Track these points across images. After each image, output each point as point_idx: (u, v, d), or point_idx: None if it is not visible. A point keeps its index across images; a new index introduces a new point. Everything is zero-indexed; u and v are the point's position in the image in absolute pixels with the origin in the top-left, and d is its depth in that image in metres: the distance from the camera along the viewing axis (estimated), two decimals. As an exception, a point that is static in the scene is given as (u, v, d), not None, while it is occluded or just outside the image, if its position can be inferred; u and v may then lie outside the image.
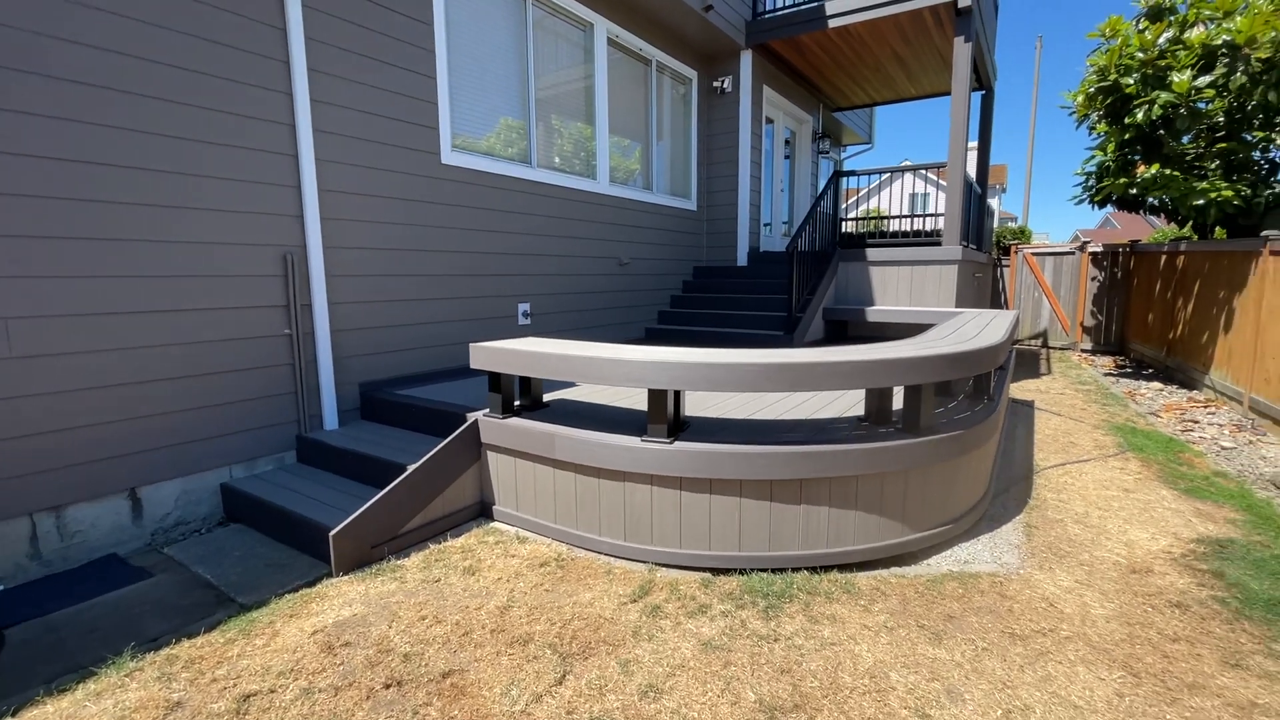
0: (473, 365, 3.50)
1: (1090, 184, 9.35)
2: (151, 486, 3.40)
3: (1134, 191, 7.95)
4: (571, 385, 4.24)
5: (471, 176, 4.96)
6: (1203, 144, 7.20)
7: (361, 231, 4.20)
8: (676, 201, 7.66)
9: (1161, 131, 6.86)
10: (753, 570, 2.99)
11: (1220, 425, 6.10)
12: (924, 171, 8.56)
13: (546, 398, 3.89)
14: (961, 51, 6.47)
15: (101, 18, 3.04)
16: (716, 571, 3.00)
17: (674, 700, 2.13)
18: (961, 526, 3.40)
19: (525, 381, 3.64)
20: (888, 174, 7.56)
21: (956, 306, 6.75)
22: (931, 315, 6.54)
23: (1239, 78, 6.02)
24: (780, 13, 7.47)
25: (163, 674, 2.27)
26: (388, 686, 2.19)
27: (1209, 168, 7.05)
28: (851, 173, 7.39)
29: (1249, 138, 6.97)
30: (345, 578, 2.92)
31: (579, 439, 3.14)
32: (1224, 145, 6.88)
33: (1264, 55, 5.65)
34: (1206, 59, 6.33)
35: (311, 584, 2.89)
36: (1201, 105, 6.38)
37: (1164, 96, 6.43)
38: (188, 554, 3.29)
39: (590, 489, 3.18)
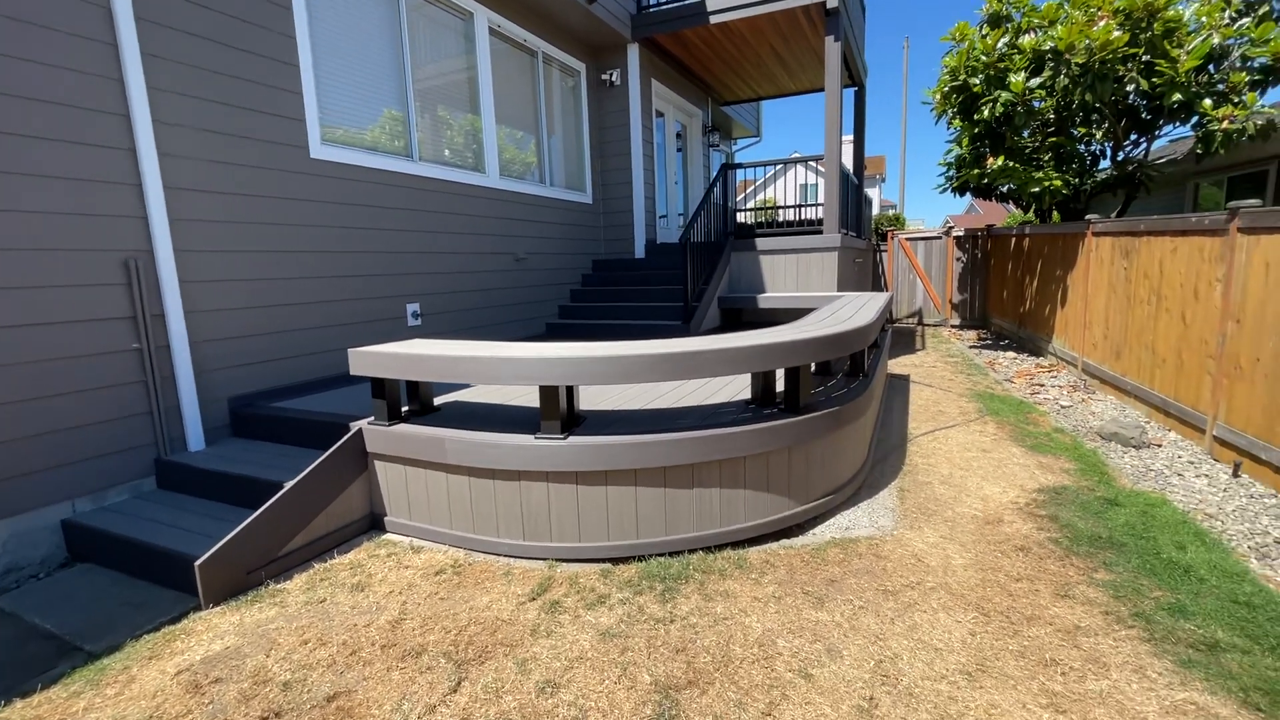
0: (353, 371, 3.32)
1: (949, 174, 10.29)
2: (-29, 531, 2.97)
3: (985, 181, 8.82)
4: (465, 387, 4.13)
5: (346, 172, 4.68)
6: (1038, 138, 8.10)
7: (221, 233, 3.85)
8: (572, 195, 7.62)
9: (1004, 127, 7.63)
10: (651, 556, 3.06)
11: (1061, 387, 6.93)
12: (812, 163, 9.00)
13: (438, 401, 3.76)
14: (832, 50, 6.87)
15: None
16: (616, 561, 3.05)
17: (571, 693, 2.15)
18: (843, 495, 3.65)
19: (413, 386, 3.50)
20: (779, 165, 7.87)
21: (839, 291, 7.21)
22: (815, 300, 6.94)
23: (1062, 80, 6.82)
24: (664, 7, 7.59)
25: (-11, 742, 2.00)
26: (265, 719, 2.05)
27: (1044, 159, 7.95)
28: (739, 165, 7.67)
29: (1074, 133, 7.92)
30: (217, 609, 2.70)
31: (470, 441, 3.07)
32: (1055, 139, 7.77)
33: (1080, 60, 6.42)
34: (1036, 62, 7.11)
35: (176, 620, 2.65)
36: (1036, 104, 7.16)
37: (1004, 95, 7.16)
38: (22, 603, 2.90)
39: (485, 491, 3.13)
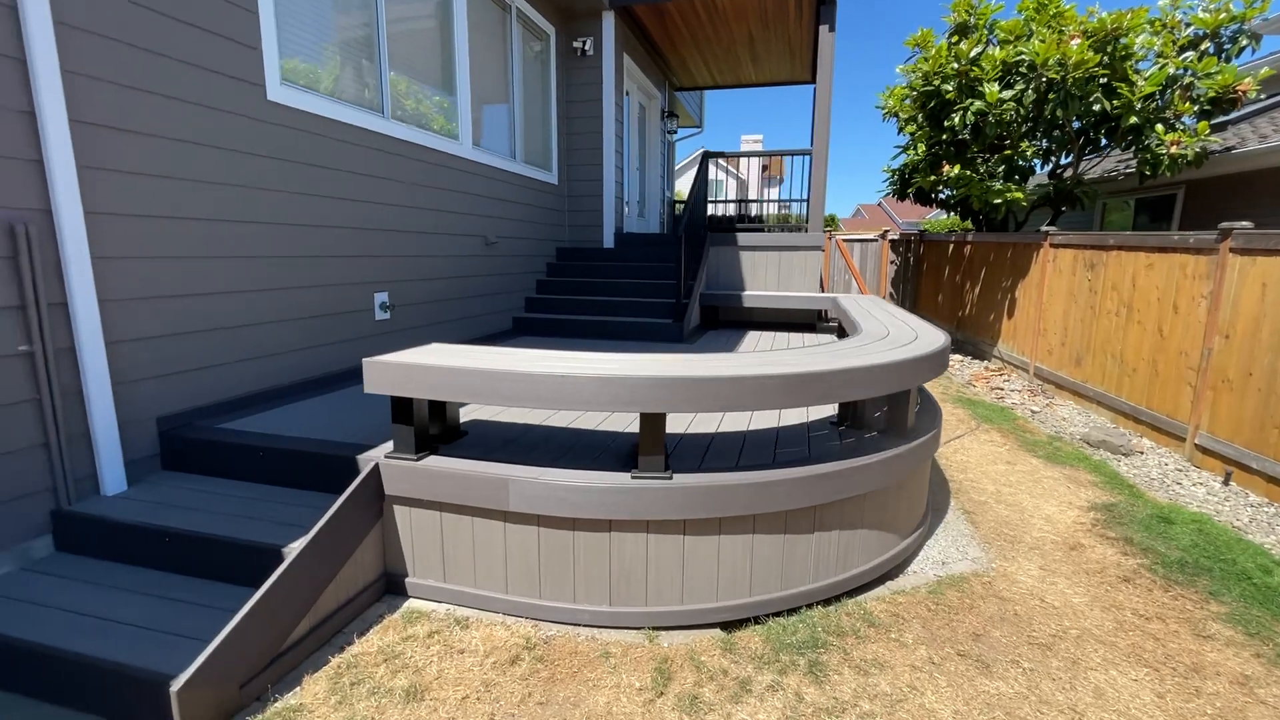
0: (369, 388, 2.48)
1: (895, 180, 10.53)
2: None
3: (941, 189, 9.07)
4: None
5: (309, 123, 3.65)
6: (987, 151, 8.39)
7: (151, 192, 2.78)
8: (538, 173, 6.80)
9: (967, 136, 7.80)
10: (766, 617, 2.55)
11: (1019, 391, 7.20)
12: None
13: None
14: (826, 40, 6.60)
15: None
16: (727, 626, 2.50)
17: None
18: (925, 524, 3.34)
19: (437, 406, 2.72)
20: (747, 158, 7.50)
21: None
22: (804, 300, 6.69)
23: (1030, 93, 7.03)
24: (646, -26, 6.94)
25: None
26: None
27: (996, 171, 8.24)
28: (720, 154, 7.24)
29: (1022, 147, 8.27)
30: (203, 749, 1.83)
31: (546, 483, 2.37)
32: (1008, 153, 8.07)
33: (1055, 75, 6.63)
34: (1006, 74, 7.30)
35: (140, 776, 1.75)
36: (1006, 116, 7.35)
37: (977, 104, 7.28)
38: None
39: (560, 546, 2.44)
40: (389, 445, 2.68)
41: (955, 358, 9.19)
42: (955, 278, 10.32)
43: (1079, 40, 6.57)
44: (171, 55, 2.86)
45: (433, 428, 2.71)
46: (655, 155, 9.84)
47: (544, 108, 6.97)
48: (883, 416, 3.08)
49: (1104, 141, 7.83)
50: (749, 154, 7.31)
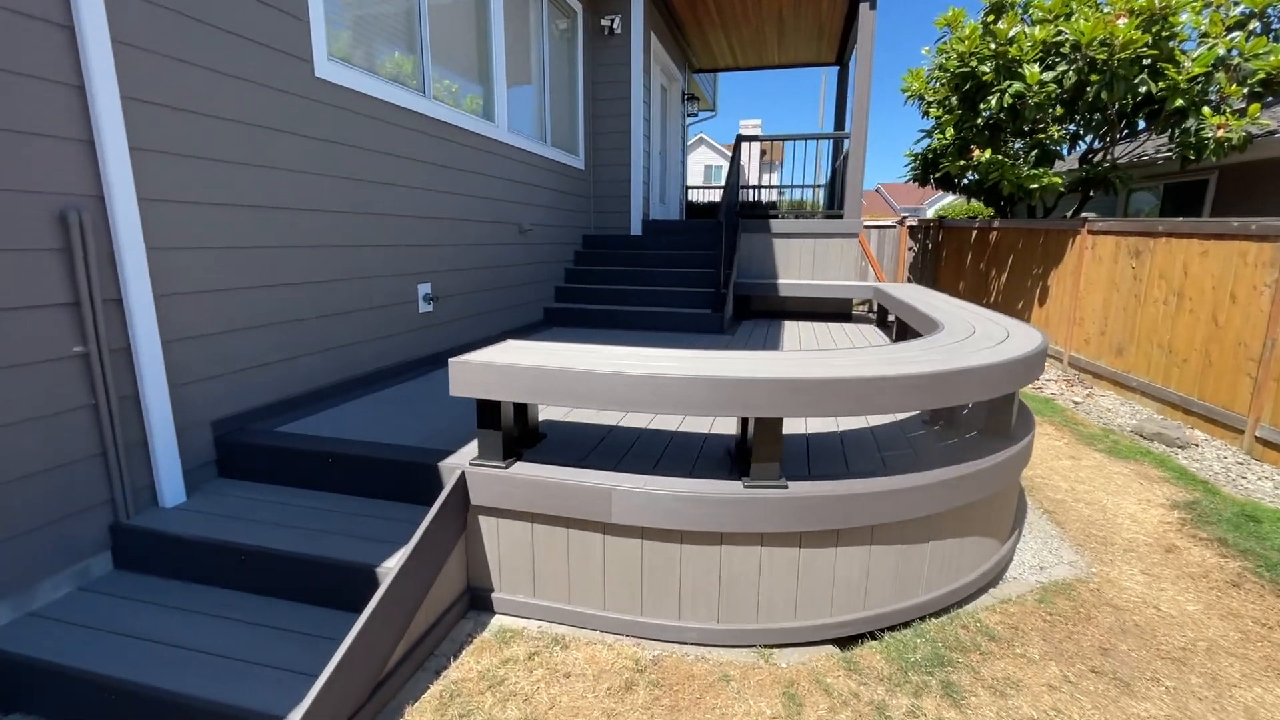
0: (455, 391, 2.29)
1: (917, 165, 10.32)
2: None
3: (971, 175, 8.87)
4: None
5: (355, 101, 3.41)
6: (1018, 135, 8.18)
7: (203, 175, 2.54)
8: (566, 157, 6.54)
9: (1004, 119, 7.60)
10: (880, 632, 2.39)
11: (1055, 380, 7.08)
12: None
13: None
14: (867, 18, 6.36)
15: None
16: (841, 643, 2.35)
17: None
18: (1020, 527, 3.20)
19: (519, 408, 2.52)
20: (790, 140, 7.27)
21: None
22: (843, 289, 6.52)
23: (1070, 75, 6.83)
24: (675, -51, 6.65)
25: None
26: None
27: (1029, 155, 8.05)
28: (755, 138, 7.00)
29: (1055, 130, 8.07)
30: (312, 795, 1.65)
31: (653, 494, 2.19)
32: (1040, 137, 7.87)
33: (1101, 56, 6.42)
34: (1045, 55, 7.08)
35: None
36: (1044, 99, 7.14)
37: (1016, 86, 7.07)
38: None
39: (667, 560, 2.27)
40: (466, 450, 2.49)
41: (982, 346, 9.05)
42: (979, 265, 10.16)
43: (1125, 19, 6.36)
44: (221, 25, 2.61)
45: (514, 430, 2.52)
46: (675, 140, 9.58)
47: (570, 89, 6.70)
48: (972, 417, 2.92)
49: (1140, 125, 7.65)
50: (784, 137, 7.09)
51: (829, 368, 2.19)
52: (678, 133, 9.61)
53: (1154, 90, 6.51)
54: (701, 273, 6.37)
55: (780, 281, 6.57)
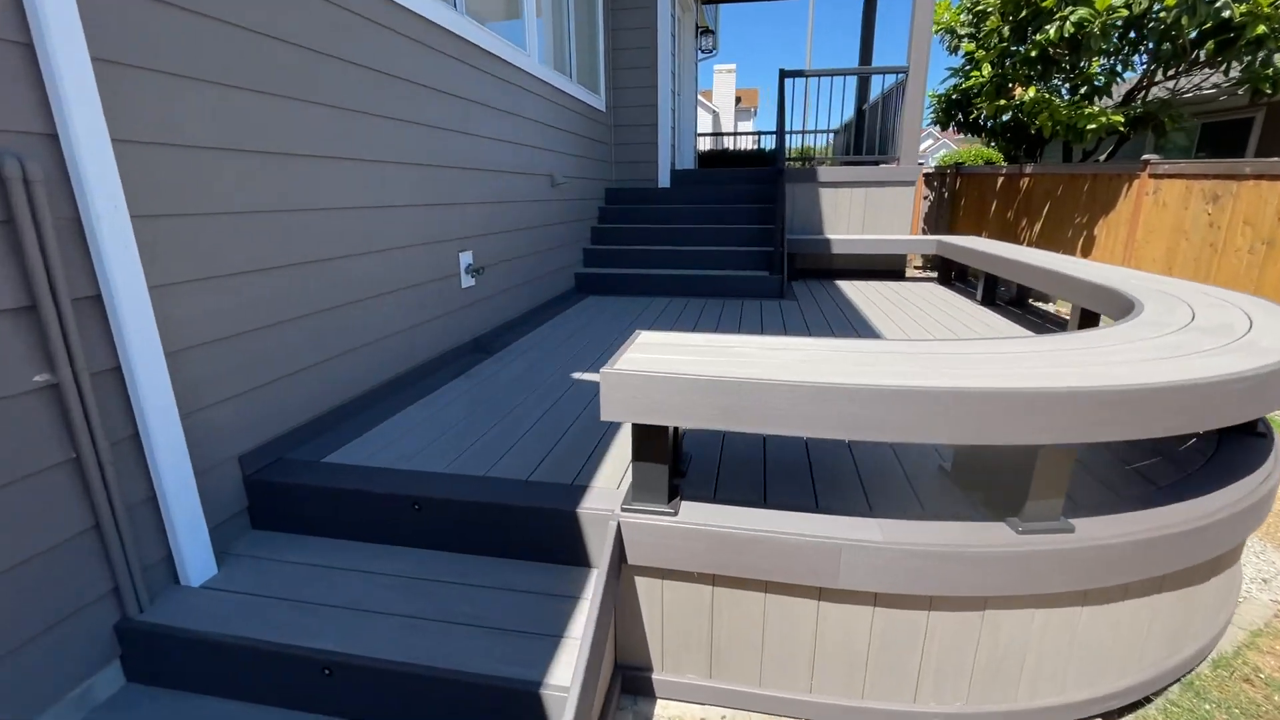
0: (607, 415, 1.61)
1: (940, 107, 9.64)
2: None
3: (1008, 114, 8.24)
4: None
5: (384, 13, 2.55)
6: (1062, 72, 7.55)
7: (197, 106, 1.73)
8: (588, 96, 5.66)
9: (1064, 51, 6.94)
10: (1152, 698, 1.88)
11: (1110, 337, 6.68)
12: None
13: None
14: (933, -70, 5.54)
15: None
16: (1116, 716, 1.82)
17: None
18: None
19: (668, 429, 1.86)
20: (837, 75, 6.48)
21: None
22: (903, 244, 5.90)
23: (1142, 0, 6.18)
24: None
25: None
26: None
27: (1074, 95, 7.45)
28: (800, 73, 6.19)
29: (1095, 65, 7.43)
30: None
31: (899, 549, 1.58)
32: (1094, 70, 7.25)
33: (1184, -24, 5.78)
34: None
35: None
36: (1107, 28, 6.49)
37: (1080, 12, 6.39)
38: None
39: (908, 633, 1.68)
40: (599, 484, 1.85)
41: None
42: (1006, 214, 9.64)
43: (1213, -67, 5.70)
44: (209, -123, 1.75)
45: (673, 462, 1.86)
46: (689, 81, 8.65)
47: (590, 10, 5.76)
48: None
49: (1222, 59, 7.09)
50: (836, 71, 6.29)
51: (1157, 369, 1.58)
52: (691, 73, 8.68)
53: (1235, 15, 5.92)
54: (747, 229, 5.67)
55: (832, 237, 5.91)
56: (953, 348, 1.83)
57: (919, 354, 1.75)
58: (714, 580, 1.73)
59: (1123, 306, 2.60)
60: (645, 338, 1.94)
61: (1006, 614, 1.66)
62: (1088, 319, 3.30)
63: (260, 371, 2.01)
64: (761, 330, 3.90)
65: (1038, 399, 1.44)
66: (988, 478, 1.85)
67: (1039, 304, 5.06)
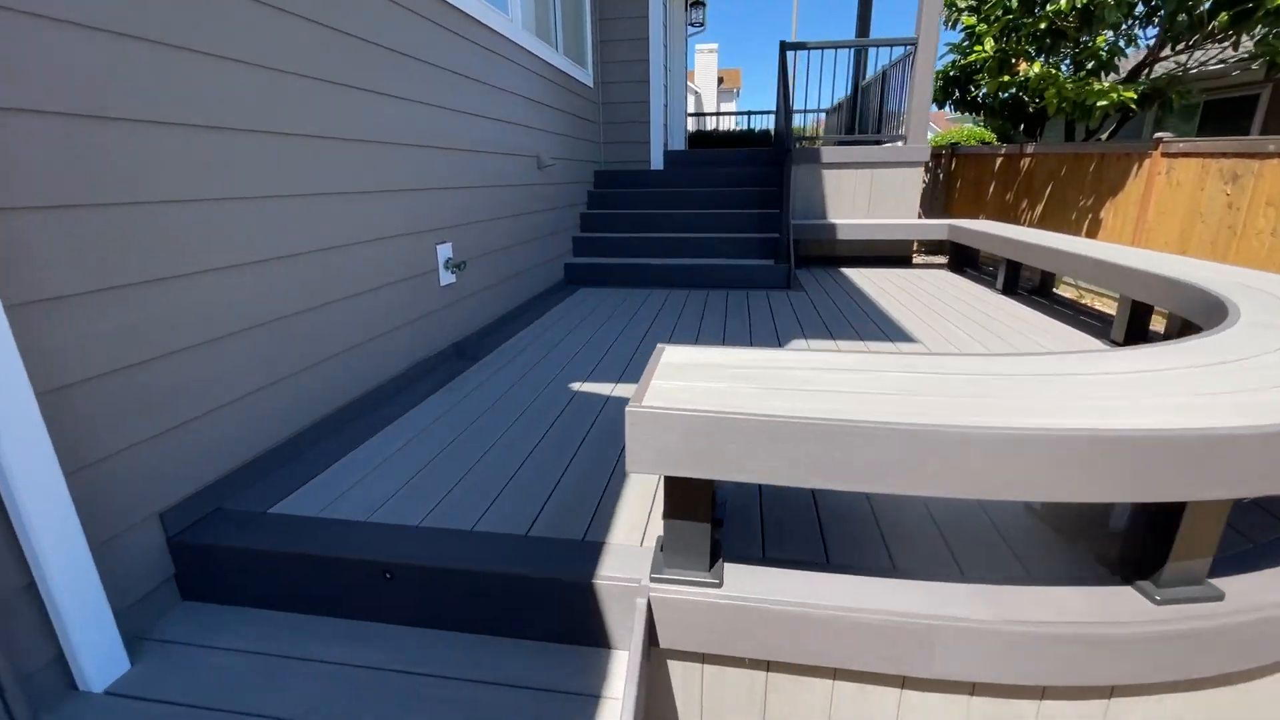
0: (634, 467, 1.23)
1: (935, 85, 9.28)
2: None
3: (1011, 91, 7.91)
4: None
5: (332, -45, 2.11)
6: (1073, 45, 7.25)
7: (91, 58, 1.29)
8: (576, 70, 5.21)
9: (1073, 23, 6.61)
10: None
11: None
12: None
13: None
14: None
15: None
16: (1248, 807, 1.51)
17: None
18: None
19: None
20: (841, 48, 6.07)
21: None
22: (915, 229, 5.57)
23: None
24: None
25: None
26: None
27: (1079, 70, 7.15)
28: (802, 45, 5.78)
29: (1101, 41, 7.14)
30: None
31: (997, 631, 1.23)
32: (1100, 44, 6.94)
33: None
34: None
35: None
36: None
37: (1094, -18, 6.05)
38: None
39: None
40: (617, 539, 1.47)
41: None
42: (1004, 196, 9.36)
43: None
44: None
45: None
46: (679, 54, 8.19)
47: (576, -19, 5.28)
48: None
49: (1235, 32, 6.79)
50: (840, 44, 5.89)
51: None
52: (681, 48, 8.21)
53: (1258, -16, 5.62)
54: (748, 214, 5.28)
55: (837, 222, 5.55)
56: (1068, 364, 1.47)
57: (1038, 374, 1.40)
58: (768, 666, 1.37)
59: (1209, 304, 2.28)
60: (672, 355, 1.56)
61: (1136, 701, 1.33)
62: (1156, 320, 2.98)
63: (186, 403, 1.60)
64: (775, 328, 3.54)
65: (1224, 444, 1.09)
66: (1091, 520, 1.51)
67: (1059, 292, 4.77)
